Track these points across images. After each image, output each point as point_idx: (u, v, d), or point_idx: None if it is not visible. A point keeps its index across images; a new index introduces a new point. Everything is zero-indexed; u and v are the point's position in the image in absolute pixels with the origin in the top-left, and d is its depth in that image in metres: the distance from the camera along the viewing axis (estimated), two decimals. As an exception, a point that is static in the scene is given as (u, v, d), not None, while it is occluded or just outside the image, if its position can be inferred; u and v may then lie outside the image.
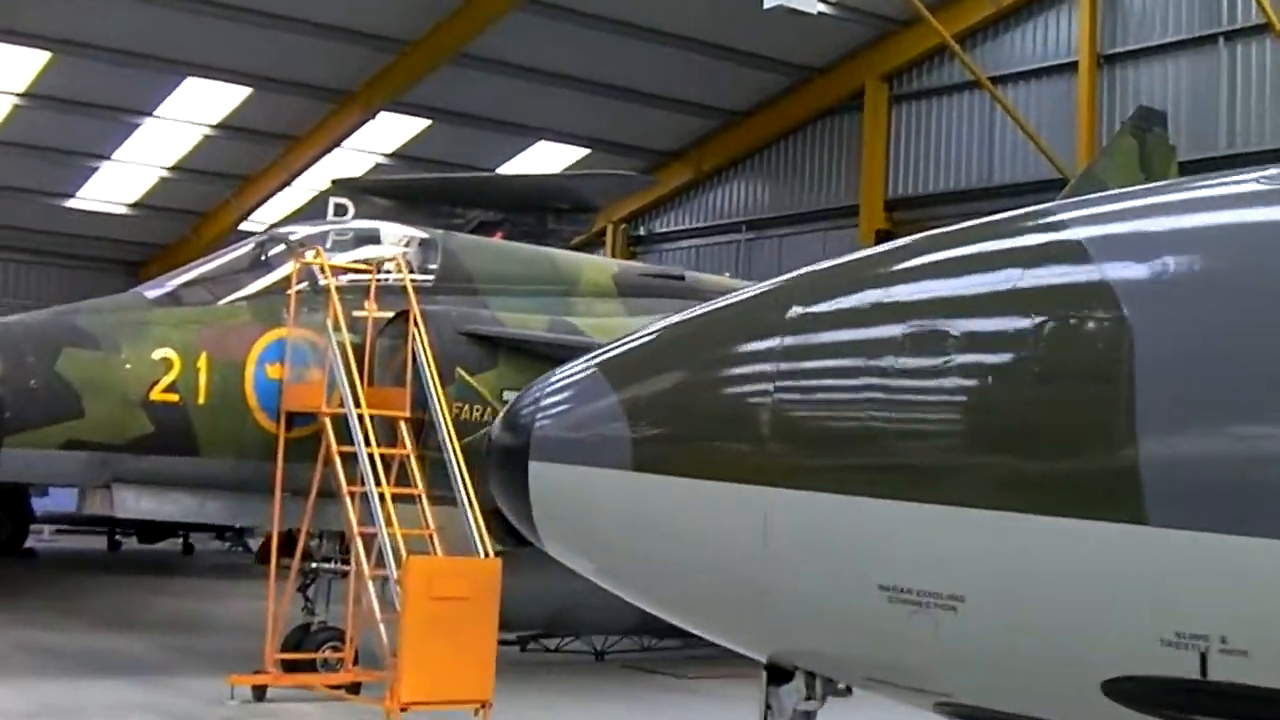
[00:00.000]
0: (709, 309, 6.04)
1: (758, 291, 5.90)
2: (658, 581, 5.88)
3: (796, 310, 5.46)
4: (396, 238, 19.63)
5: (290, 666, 17.28)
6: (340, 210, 20.23)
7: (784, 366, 5.35)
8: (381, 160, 43.61)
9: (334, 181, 32.21)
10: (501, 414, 6.44)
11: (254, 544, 39.04)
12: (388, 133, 42.51)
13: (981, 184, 37.14)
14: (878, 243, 38.22)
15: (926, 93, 39.25)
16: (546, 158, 43.69)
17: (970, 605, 4.85)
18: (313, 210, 39.38)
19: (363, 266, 18.33)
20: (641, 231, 47.45)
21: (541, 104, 40.89)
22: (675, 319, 6.10)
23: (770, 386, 5.31)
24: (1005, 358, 4.96)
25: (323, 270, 17.89)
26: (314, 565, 18.13)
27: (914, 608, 4.92)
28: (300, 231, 19.43)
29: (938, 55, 38.24)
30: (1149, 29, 34.15)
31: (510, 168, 43.17)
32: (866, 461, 5.09)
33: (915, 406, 5.03)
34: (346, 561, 17.59)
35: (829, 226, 41.17)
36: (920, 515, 4.89)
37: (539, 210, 28.59)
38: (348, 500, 16.13)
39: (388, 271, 18.46)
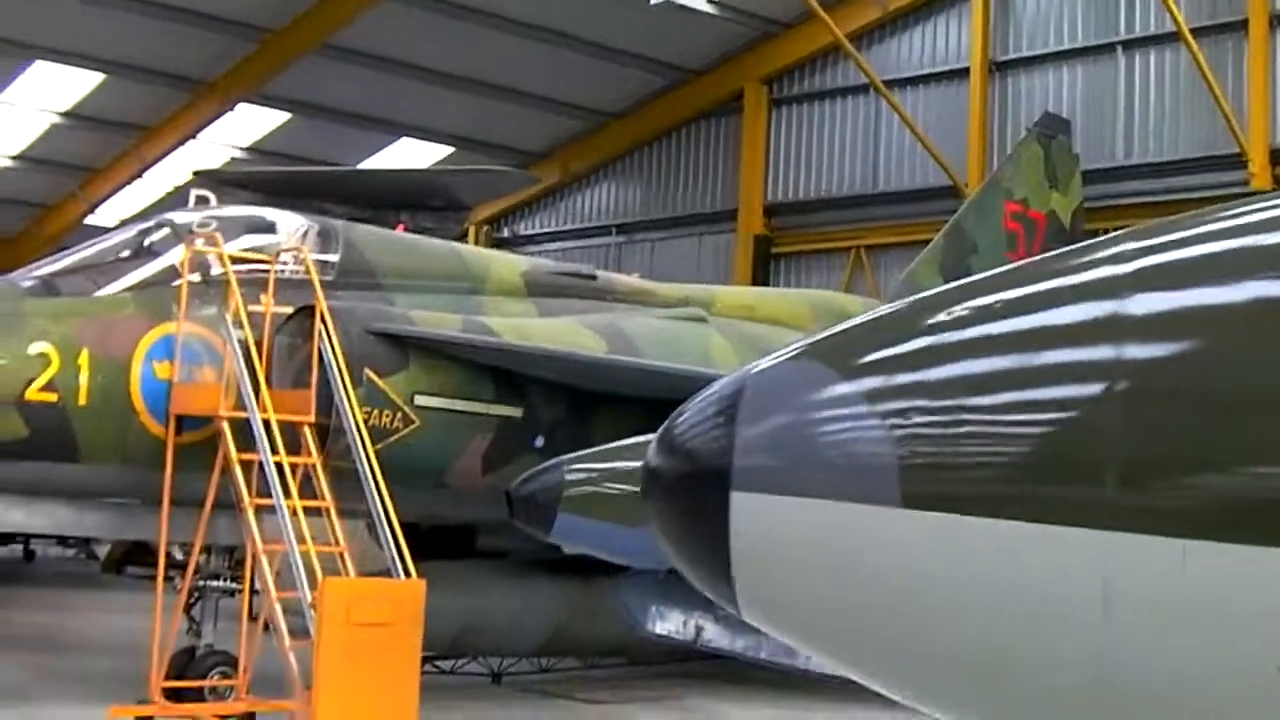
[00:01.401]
0: (996, 277, 4.34)
1: (1081, 249, 4.20)
2: (926, 662, 4.09)
3: (1155, 284, 3.85)
4: (293, 227, 18.04)
5: (175, 695, 15.57)
6: (202, 203, 18.73)
7: (1136, 362, 3.75)
8: (238, 154, 42.30)
9: (196, 173, 30.70)
10: (665, 426, 4.43)
11: (101, 552, 37.12)
12: (246, 125, 41.09)
13: (865, 190, 36.64)
14: (756, 249, 37.75)
15: (808, 97, 38.57)
16: (409, 155, 42.67)
17: None
18: (167, 205, 37.57)
19: (262, 256, 16.74)
20: (505, 234, 46.13)
21: (406, 99, 39.83)
22: (935, 294, 4.37)
23: (1116, 384, 3.71)
24: None
25: (219, 260, 16.31)
26: (201, 583, 16.41)
27: None
28: (189, 217, 17.70)
29: (820, 59, 37.77)
30: (1043, 36, 33.78)
31: (371, 164, 42.10)
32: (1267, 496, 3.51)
33: None
34: (236, 579, 16.11)
35: (705, 231, 40.60)
36: None
37: (410, 208, 27.30)
38: (250, 513, 14.58)
39: (285, 263, 16.91)
